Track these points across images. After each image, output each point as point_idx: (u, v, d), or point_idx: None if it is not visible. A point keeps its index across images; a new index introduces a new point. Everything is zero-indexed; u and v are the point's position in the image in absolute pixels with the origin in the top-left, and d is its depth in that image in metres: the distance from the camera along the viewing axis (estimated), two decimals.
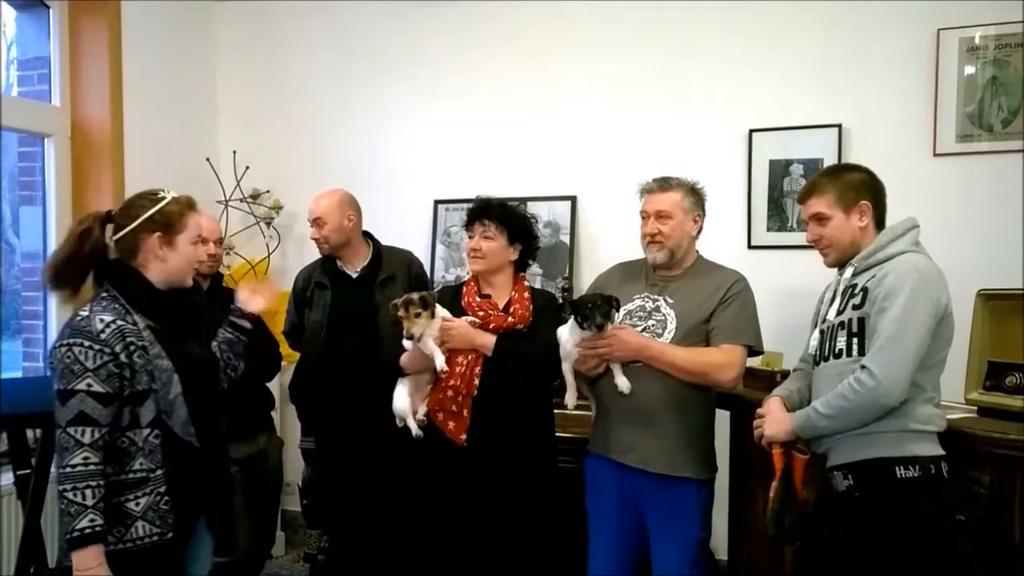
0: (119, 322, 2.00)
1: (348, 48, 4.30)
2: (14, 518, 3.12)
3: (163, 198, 2.13)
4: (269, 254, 4.25)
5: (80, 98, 3.87)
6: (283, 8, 4.41)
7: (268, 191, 4.30)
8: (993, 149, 3.25)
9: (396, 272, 3.35)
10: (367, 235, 3.43)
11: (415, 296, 2.61)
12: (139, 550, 1.99)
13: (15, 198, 3.93)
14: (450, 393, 2.64)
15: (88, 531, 1.90)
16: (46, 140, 3.79)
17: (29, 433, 2.98)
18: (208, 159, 4.26)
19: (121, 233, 2.09)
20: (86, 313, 2.01)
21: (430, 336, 2.61)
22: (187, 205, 2.18)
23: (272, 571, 3.94)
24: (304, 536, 3.89)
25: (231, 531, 2.43)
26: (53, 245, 3.79)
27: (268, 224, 4.26)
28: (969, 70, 3.28)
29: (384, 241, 3.50)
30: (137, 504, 2.00)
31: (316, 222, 3.29)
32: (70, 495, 1.90)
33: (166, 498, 2.03)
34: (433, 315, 2.61)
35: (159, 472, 2.03)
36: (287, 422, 4.09)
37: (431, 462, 2.69)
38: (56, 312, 3.78)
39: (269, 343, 3.16)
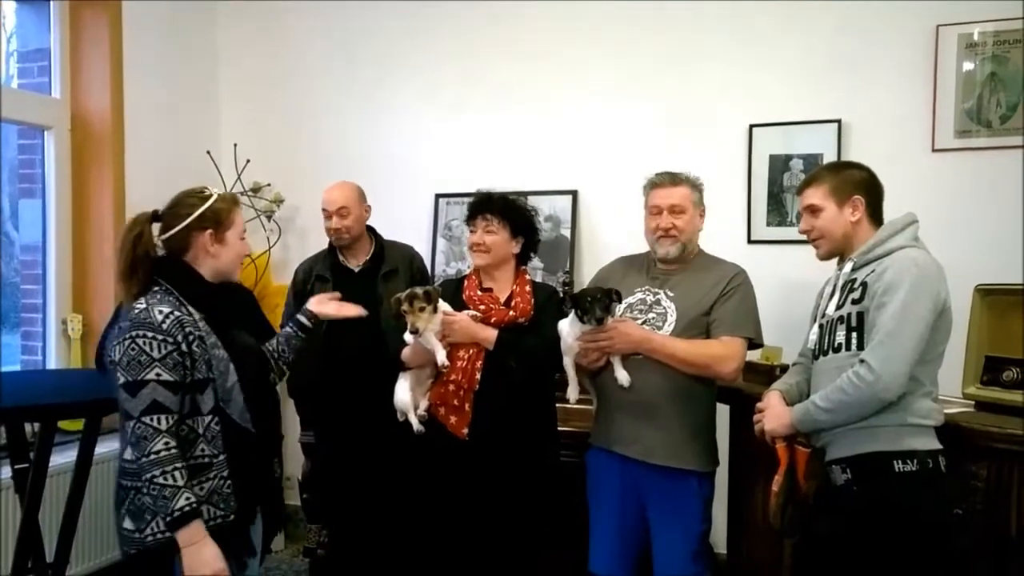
0: (176, 313, 2.05)
1: (350, 41, 4.30)
2: (12, 513, 3.13)
3: (211, 195, 2.19)
4: (270, 247, 4.26)
5: (80, 90, 3.88)
6: (285, 3, 4.40)
7: (269, 184, 4.30)
8: (991, 145, 3.26)
9: (398, 266, 3.36)
10: (369, 229, 3.44)
11: (419, 290, 2.62)
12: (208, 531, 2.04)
13: (14, 191, 3.94)
14: (451, 387, 2.65)
15: (188, 508, 1.97)
16: (46, 132, 3.80)
17: (27, 427, 2.99)
18: (209, 152, 4.26)
19: (172, 232, 2.15)
20: (143, 306, 2.04)
21: (432, 330, 2.62)
22: (233, 201, 2.26)
23: (272, 565, 3.95)
24: (304, 531, 3.90)
25: (281, 520, 2.51)
26: (52, 238, 3.82)
27: (269, 218, 4.27)
28: (968, 66, 3.29)
29: (385, 235, 3.51)
30: (202, 488, 2.05)
31: (340, 212, 3.28)
32: (161, 480, 1.95)
33: (228, 482, 2.10)
34: (436, 310, 2.62)
35: (221, 457, 2.09)
36: (286, 416, 4.09)
37: (432, 456, 2.70)
38: (55, 306, 3.80)
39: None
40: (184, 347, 2.03)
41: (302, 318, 2.51)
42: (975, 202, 3.27)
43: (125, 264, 2.10)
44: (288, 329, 2.51)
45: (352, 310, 2.57)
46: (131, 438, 1.99)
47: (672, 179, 2.69)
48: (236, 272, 2.30)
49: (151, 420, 1.97)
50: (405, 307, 2.58)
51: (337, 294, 2.65)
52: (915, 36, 3.35)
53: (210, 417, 2.08)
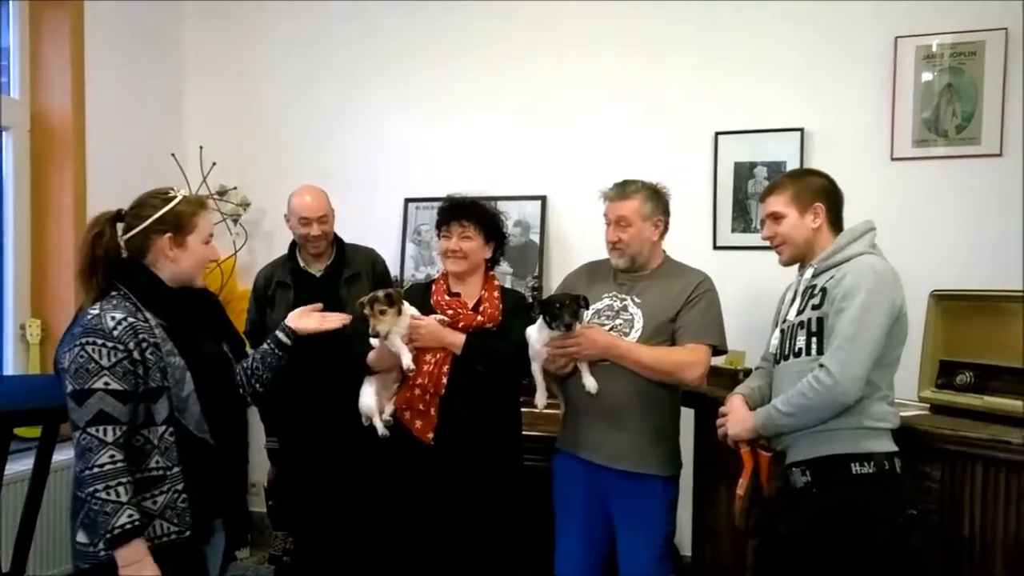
0: (130, 319, 1.99)
1: (317, 44, 4.28)
2: None
3: (173, 197, 2.12)
4: (236, 251, 4.22)
5: (40, 90, 3.82)
6: (252, 3, 4.38)
7: (235, 187, 4.26)
8: (948, 154, 3.35)
9: (360, 270, 3.33)
10: None
11: (380, 294, 2.59)
12: (158, 548, 1.97)
13: None
14: (417, 392, 2.64)
15: (128, 526, 1.89)
16: (4, 133, 3.73)
17: None
18: (173, 154, 4.21)
19: (131, 233, 2.08)
20: (96, 312, 1.98)
21: (397, 334, 2.60)
22: (198, 204, 2.18)
23: (237, 572, 3.89)
24: (270, 537, 3.86)
25: (246, 530, 2.43)
26: (11, 241, 3.75)
27: (235, 221, 4.23)
28: (926, 77, 3.37)
29: (354, 240, 3.50)
30: (155, 502, 1.98)
31: (321, 219, 3.25)
32: (103, 494, 1.89)
33: (183, 496, 2.02)
34: (400, 312, 2.60)
35: (176, 470, 2.02)
36: (251, 422, 4.06)
37: (398, 461, 2.69)
38: (13, 310, 3.73)
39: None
40: (136, 355, 1.97)
41: (280, 335, 2.33)
42: (931, 210, 3.36)
43: (83, 263, 2.05)
44: (265, 346, 2.34)
45: (335, 321, 2.40)
46: (76, 449, 1.92)
47: (620, 192, 2.70)
48: (197, 278, 2.20)
49: (97, 431, 1.90)
50: (367, 310, 2.56)
51: (319, 305, 2.44)
52: (875, 47, 3.43)
53: (164, 427, 2.01)
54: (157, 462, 2.00)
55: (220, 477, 2.14)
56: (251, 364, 2.33)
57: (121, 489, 1.90)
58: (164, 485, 2.00)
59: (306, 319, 2.36)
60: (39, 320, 3.75)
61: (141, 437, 1.99)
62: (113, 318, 1.97)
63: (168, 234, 2.09)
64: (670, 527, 2.68)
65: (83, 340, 1.94)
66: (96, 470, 1.89)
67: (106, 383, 1.92)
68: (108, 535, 1.89)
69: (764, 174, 3.57)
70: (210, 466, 2.09)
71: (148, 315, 2.04)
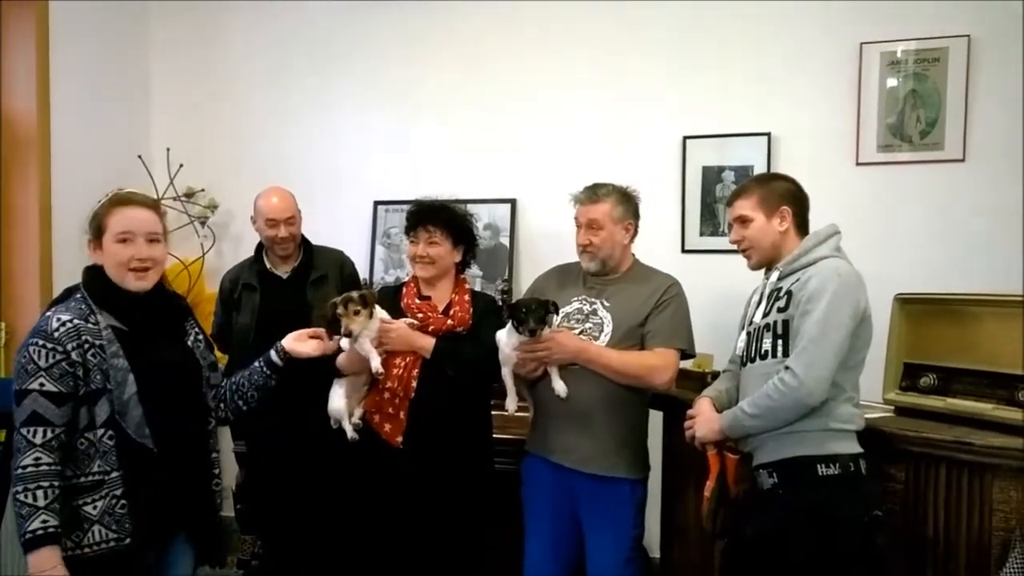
0: (76, 321, 1.98)
1: (286, 46, 4.25)
2: None
3: (100, 202, 2.11)
4: (204, 254, 4.18)
5: (4, 92, 3.75)
6: (219, 3, 4.33)
7: (203, 189, 4.22)
8: (912, 159, 3.40)
9: (328, 272, 3.31)
10: None
11: (355, 294, 2.58)
12: (97, 556, 1.95)
13: None
14: (387, 395, 2.63)
15: (40, 532, 1.86)
16: None
17: None
18: (140, 156, 4.16)
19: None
20: (48, 314, 2.00)
21: (367, 337, 2.59)
22: (115, 202, 2.11)
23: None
24: (238, 542, 3.82)
25: (216, 541, 2.35)
26: None
27: (203, 223, 4.19)
28: (891, 83, 3.42)
29: (323, 242, 3.48)
30: (94, 508, 1.96)
31: (288, 221, 3.23)
32: (21, 496, 1.87)
33: (122, 502, 1.98)
34: (371, 315, 2.59)
35: (115, 475, 1.98)
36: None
37: (366, 465, 2.67)
38: None
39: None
40: (75, 356, 1.95)
41: (273, 355, 2.28)
42: (896, 214, 3.41)
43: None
44: (256, 365, 2.30)
45: (335, 346, 2.39)
46: (13, 448, 1.92)
47: (591, 195, 2.72)
48: (123, 281, 2.07)
49: (28, 432, 1.90)
50: (340, 310, 2.54)
51: (321, 330, 2.37)
52: (840, 53, 3.48)
53: (103, 430, 1.98)
54: (98, 466, 1.97)
55: (165, 485, 2.06)
56: (237, 381, 2.30)
57: (40, 493, 1.88)
58: (103, 490, 1.97)
59: (303, 344, 2.30)
60: (3, 323, 3.68)
61: (85, 440, 1.97)
62: (59, 319, 1.97)
63: (88, 239, 2.11)
64: (638, 530, 2.70)
65: (29, 341, 1.95)
66: (19, 471, 1.89)
67: (41, 384, 1.92)
68: (22, 538, 1.87)
69: (732, 178, 3.60)
70: (152, 473, 2.03)
71: (100, 317, 2.03)
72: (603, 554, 2.63)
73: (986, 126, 3.30)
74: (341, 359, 2.70)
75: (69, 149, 3.86)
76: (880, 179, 3.44)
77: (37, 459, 1.89)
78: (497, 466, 2.84)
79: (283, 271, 3.31)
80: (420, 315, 2.69)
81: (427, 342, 2.64)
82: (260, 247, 3.37)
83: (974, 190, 3.31)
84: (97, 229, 2.09)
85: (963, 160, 3.33)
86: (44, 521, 1.87)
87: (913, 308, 2.65)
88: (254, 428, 3.34)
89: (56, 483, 1.91)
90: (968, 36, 3.29)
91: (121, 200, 2.12)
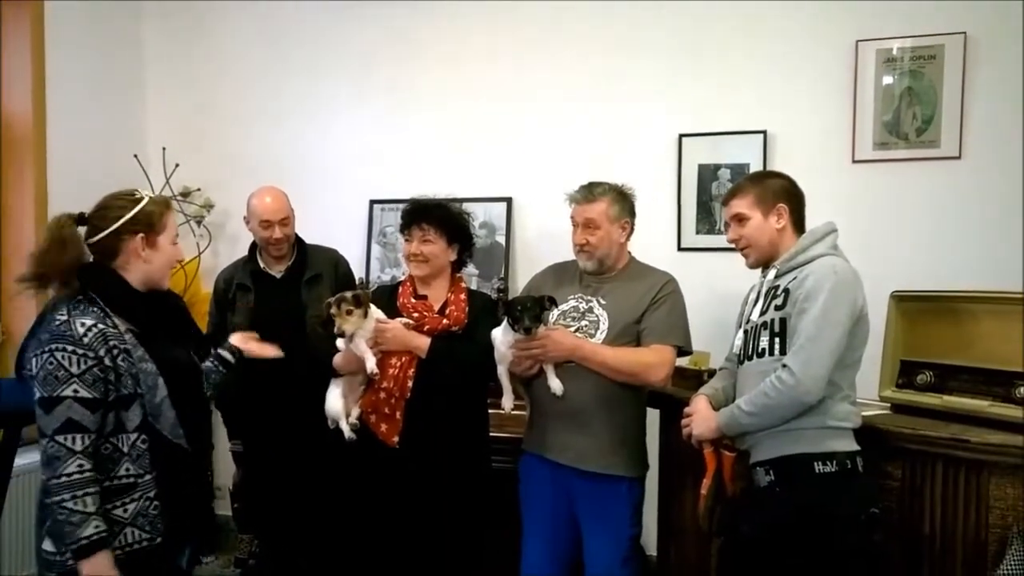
0: (100, 325, 1.96)
1: (281, 45, 4.24)
2: None
3: (141, 198, 2.10)
4: (200, 253, 4.17)
5: (0, 91, 3.74)
6: (214, 4, 4.33)
7: (199, 189, 4.21)
8: (908, 157, 3.39)
9: (322, 271, 3.30)
10: None
11: (348, 294, 2.59)
12: (128, 556, 1.95)
13: None
14: (383, 395, 2.63)
15: (95, 538, 1.88)
16: None
17: None
18: (136, 156, 4.15)
19: (101, 235, 2.05)
20: (64, 317, 1.95)
21: (362, 337, 2.59)
22: (165, 205, 2.17)
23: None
24: (235, 541, 3.82)
25: (212, 535, 2.42)
26: None
27: (199, 223, 4.18)
28: (887, 80, 3.42)
29: (319, 241, 3.47)
30: (125, 511, 1.96)
31: (283, 222, 3.21)
32: (70, 504, 1.87)
33: (155, 503, 2.00)
34: (366, 314, 2.58)
35: (148, 477, 1.99)
36: (215, 425, 4.02)
37: (363, 465, 2.67)
38: None
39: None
40: (107, 361, 1.94)
41: (225, 352, 2.40)
42: (892, 212, 3.40)
43: (46, 261, 2.00)
44: (209, 364, 2.35)
45: (271, 351, 2.48)
46: (43, 457, 1.90)
47: (587, 195, 2.71)
48: (166, 279, 2.19)
49: (65, 440, 1.88)
50: (333, 310, 2.54)
51: (254, 334, 2.54)
52: (836, 51, 3.47)
53: (136, 435, 1.98)
54: (128, 470, 1.97)
55: (194, 482, 2.13)
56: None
57: (88, 499, 1.88)
58: (135, 492, 1.98)
59: (246, 344, 2.45)
60: (0, 324, 3.68)
61: (110, 445, 1.96)
62: (83, 324, 1.94)
63: (140, 234, 2.07)
64: (636, 528, 2.70)
65: (52, 346, 1.91)
66: (64, 479, 1.87)
67: (75, 391, 1.90)
68: (74, 545, 1.87)
69: (728, 176, 3.59)
70: (184, 472, 2.07)
71: (117, 320, 2.01)
72: (600, 552, 2.63)
73: (982, 124, 3.30)
74: (337, 359, 2.70)
75: (65, 149, 3.86)
76: (876, 177, 3.43)
77: (80, 466, 1.88)
78: (494, 464, 2.83)
79: (277, 271, 3.30)
80: (416, 314, 2.69)
81: (423, 342, 2.63)
82: (254, 246, 3.36)
83: (970, 187, 3.31)
84: (152, 227, 2.09)
85: (959, 157, 3.32)
86: (96, 527, 1.88)
87: (909, 305, 2.65)
88: (251, 428, 3.34)
89: (98, 489, 1.91)
90: (964, 33, 3.29)
91: (168, 204, 2.20)
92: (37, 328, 2.02)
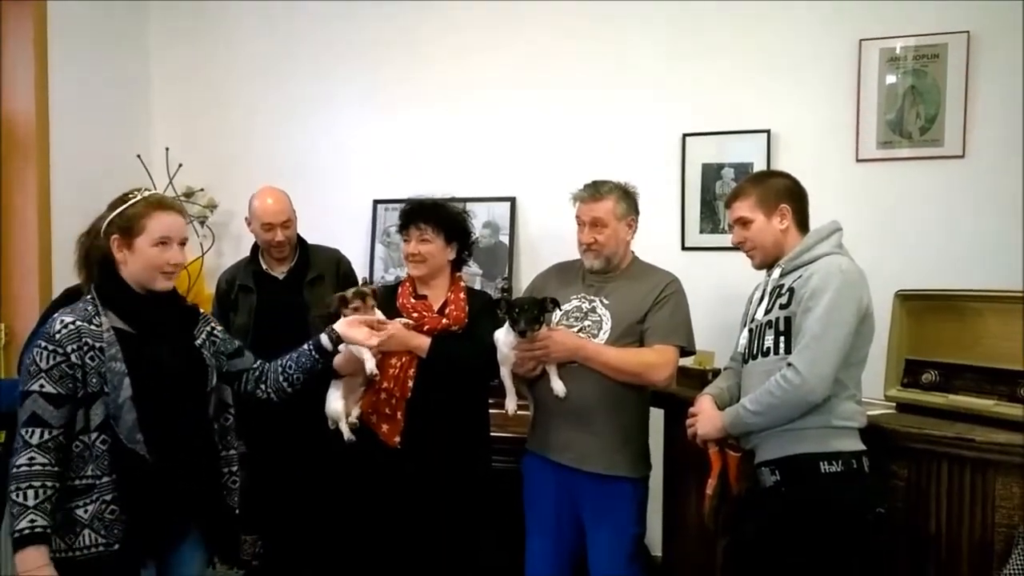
0: (79, 323, 1.99)
1: (284, 44, 4.25)
2: None
3: (130, 199, 2.10)
4: (203, 253, 4.17)
5: (3, 92, 3.74)
6: (218, 3, 4.33)
7: (202, 189, 4.22)
8: (912, 155, 3.39)
9: (324, 271, 3.29)
10: None
11: (366, 289, 2.59)
12: (86, 560, 1.94)
13: None
14: (384, 396, 2.62)
15: (27, 531, 1.87)
16: None
17: None
18: (139, 156, 4.15)
19: (94, 235, 2.11)
20: (55, 315, 2.01)
21: None
22: (153, 205, 2.11)
23: None
24: (240, 544, 3.82)
25: (230, 543, 2.34)
26: None
27: (202, 223, 4.18)
28: (890, 79, 3.41)
29: (323, 241, 3.46)
30: (85, 511, 1.96)
31: (285, 224, 3.20)
32: (13, 495, 1.89)
33: (112, 507, 1.97)
34: (374, 309, 2.58)
35: (105, 480, 1.97)
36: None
37: (364, 466, 2.66)
38: None
39: None
40: (75, 358, 1.96)
41: (324, 338, 2.33)
42: (896, 210, 3.40)
43: (78, 262, 2.13)
44: (305, 347, 2.33)
45: (381, 336, 2.39)
46: (13, 448, 1.95)
47: (594, 193, 2.70)
48: (155, 281, 2.11)
49: (25, 432, 1.92)
50: (356, 304, 2.52)
51: (372, 317, 2.44)
52: (840, 50, 3.47)
53: (96, 434, 1.97)
54: (92, 470, 1.97)
55: (160, 492, 2.03)
56: (284, 363, 2.33)
57: (31, 492, 1.89)
58: (93, 494, 1.96)
59: (356, 331, 2.36)
60: (3, 324, 3.68)
61: (80, 443, 1.97)
62: (62, 321, 1.98)
63: (114, 236, 2.08)
64: (640, 528, 2.69)
65: (35, 342, 1.98)
66: (13, 470, 1.91)
67: (41, 385, 1.94)
68: (12, 535, 1.89)
69: (731, 175, 3.59)
70: (145, 479, 2.00)
71: (104, 319, 2.02)
72: (605, 553, 2.63)
73: (986, 122, 3.29)
74: (338, 360, 2.66)
75: (68, 149, 3.86)
76: (880, 175, 3.43)
77: (31, 459, 1.90)
78: (497, 465, 2.82)
79: (279, 272, 3.30)
80: (416, 314, 2.68)
81: (423, 342, 2.63)
82: (256, 247, 3.36)
83: (974, 186, 3.31)
84: (129, 229, 2.07)
85: (963, 156, 3.32)
86: (32, 521, 1.88)
87: (914, 304, 2.64)
88: (253, 429, 3.33)
89: (50, 483, 1.91)
90: (967, 32, 3.29)
91: (160, 204, 2.13)
92: (39, 328, 2.08)
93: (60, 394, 1.94)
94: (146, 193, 2.15)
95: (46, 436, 1.92)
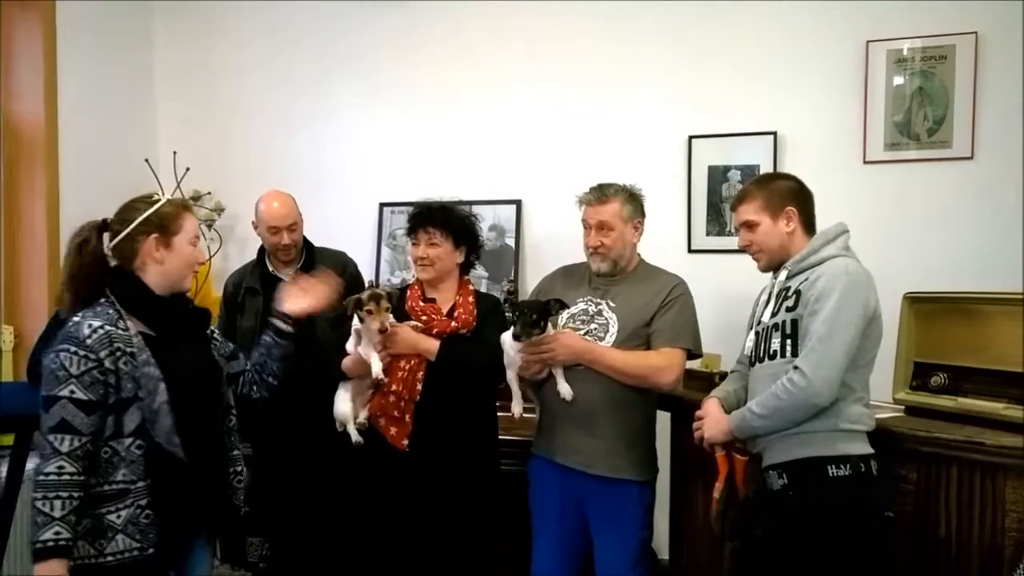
0: (108, 327, 1.97)
1: (291, 48, 4.25)
2: None
3: (157, 200, 2.12)
4: (211, 257, 4.17)
5: (12, 96, 3.76)
6: (224, 6, 4.34)
7: (209, 193, 4.22)
8: (920, 157, 3.38)
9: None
10: None
11: (381, 291, 2.60)
12: (119, 564, 1.94)
13: None
14: (392, 398, 2.62)
15: (51, 543, 1.85)
16: None
17: None
18: (147, 160, 4.16)
19: (118, 239, 2.07)
20: (78, 319, 1.97)
21: (369, 340, 2.59)
22: (182, 206, 2.18)
23: None
24: (245, 544, 3.82)
25: (237, 543, 2.39)
26: None
27: (210, 226, 4.19)
28: (897, 81, 3.40)
29: (329, 244, 3.47)
30: (118, 517, 1.95)
31: (291, 228, 3.21)
32: (39, 504, 1.86)
33: (147, 511, 1.98)
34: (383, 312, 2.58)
35: (140, 484, 1.98)
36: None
37: (372, 468, 2.66)
38: None
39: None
40: (108, 364, 1.94)
41: (278, 322, 2.34)
42: (904, 212, 3.38)
43: (71, 271, 2.04)
44: (266, 338, 2.34)
45: (323, 292, 2.38)
46: (39, 453, 1.92)
47: (600, 196, 2.70)
48: (186, 281, 2.18)
49: (54, 439, 1.89)
50: (371, 307, 2.53)
51: (305, 279, 2.44)
52: (846, 51, 3.46)
53: (131, 439, 1.97)
54: (123, 475, 1.96)
55: (192, 493, 2.07)
56: (259, 361, 2.33)
57: (57, 503, 1.87)
58: (128, 499, 1.96)
59: (299, 302, 2.36)
60: (12, 327, 3.68)
61: (109, 449, 1.96)
62: (90, 326, 1.95)
63: (154, 235, 2.08)
64: (646, 532, 2.68)
65: (60, 347, 1.93)
66: (41, 478, 1.88)
67: (71, 391, 1.90)
68: (33, 545, 1.86)
69: (738, 178, 3.58)
70: (180, 481, 2.02)
71: (129, 324, 2.02)
72: (611, 556, 2.62)
73: (994, 123, 3.28)
74: (346, 362, 2.70)
75: (76, 153, 3.87)
76: (888, 178, 3.41)
77: (60, 467, 1.88)
78: (504, 467, 2.82)
79: (286, 274, 3.30)
80: (424, 318, 2.68)
81: (431, 344, 2.63)
82: (263, 250, 3.37)
83: (983, 188, 3.29)
84: (167, 228, 2.09)
85: (971, 158, 3.30)
86: (57, 533, 1.86)
87: (922, 307, 2.63)
88: (261, 430, 3.34)
89: (76, 494, 1.90)
90: (975, 33, 3.27)
91: (186, 205, 2.21)
92: (48, 331, 2.05)
93: (91, 400, 1.91)
94: (168, 196, 2.18)
95: (75, 444, 1.90)
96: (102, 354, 1.94)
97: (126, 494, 1.96)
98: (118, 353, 1.96)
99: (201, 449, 2.09)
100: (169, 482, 2.01)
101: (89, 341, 1.93)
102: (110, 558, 1.94)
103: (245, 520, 2.33)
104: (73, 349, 1.92)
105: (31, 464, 2.99)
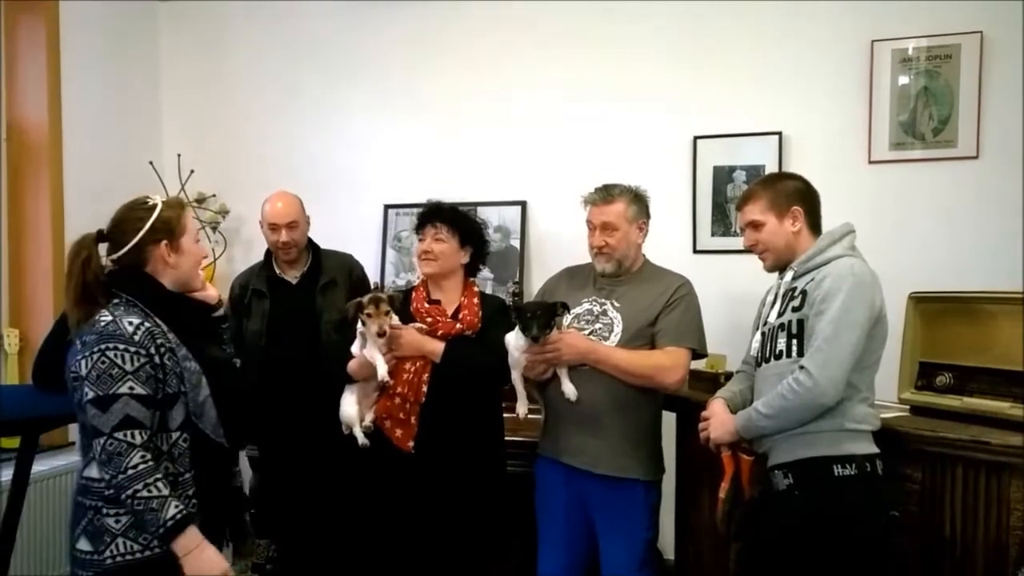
0: (146, 324, 1.97)
1: (296, 50, 4.27)
2: None
3: (155, 205, 2.09)
4: (215, 259, 4.19)
5: (16, 99, 3.78)
6: (229, 8, 4.36)
7: (214, 195, 4.24)
8: (925, 157, 3.37)
9: (337, 276, 3.31)
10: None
11: (382, 294, 2.60)
12: (166, 553, 1.93)
13: None
14: (398, 400, 2.62)
15: (180, 516, 1.89)
16: None
17: None
18: (151, 162, 4.18)
19: (124, 249, 2.05)
20: (108, 318, 1.95)
21: (375, 343, 2.59)
22: (180, 206, 2.17)
23: None
24: (252, 546, 3.83)
25: (247, 534, 2.45)
26: None
27: (214, 229, 4.21)
28: (902, 80, 3.40)
29: (334, 246, 3.47)
30: None
31: (290, 226, 3.22)
32: (144, 492, 1.87)
33: (193, 501, 2.01)
34: (388, 315, 2.58)
35: (187, 476, 2.01)
36: None
37: (378, 470, 2.66)
38: None
39: None
40: (157, 359, 1.95)
41: None
42: (909, 212, 3.38)
43: (76, 292, 1.99)
44: None
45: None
46: (102, 455, 1.88)
47: (605, 196, 2.70)
48: (196, 279, 2.20)
49: (125, 435, 1.88)
50: (370, 310, 2.53)
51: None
52: (851, 51, 3.45)
53: (178, 434, 2.00)
54: (167, 468, 1.97)
55: (231, 480, 2.19)
56: None
57: (161, 484, 1.89)
58: (176, 491, 1.97)
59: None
60: (17, 330, 3.69)
61: (152, 445, 1.96)
62: (131, 323, 1.95)
63: (164, 241, 2.07)
64: (652, 532, 2.68)
65: (103, 346, 1.91)
66: (131, 472, 1.87)
67: (131, 387, 1.90)
68: (161, 530, 1.88)
69: (743, 178, 3.58)
70: (223, 470, 2.12)
71: (158, 320, 2.02)
72: (617, 557, 2.62)
73: (1000, 123, 3.27)
74: (352, 365, 2.70)
75: (80, 156, 3.89)
76: (893, 177, 3.41)
77: (144, 456, 1.88)
78: (509, 468, 2.82)
79: (292, 276, 3.32)
80: (429, 319, 2.68)
81: (436, 346, 2.63)
82: (269, 252, 3.38)
83: (988, 187, 3.28)
84: (173, 231, 2.09)
85: (977, 157, 3.30)
86: (177, 507, 1.89)
87: (928, 307, 2.63)
88: (267, 432, 3.35)
89: (164, 475, 1.92)
90: (980, 32, 3.27)
91: (182, 203, 2.21)
92: (54, 335, 2.05)
93: (148, 395, 1.93)
94: (160, 198, 2.14)
95: (144, 437, 1.91)
96: (151, 349, 1.95)
97: (174, 487, 1.96)
98: (163, 349, 1.98)
99: (238, 438, 2.20)
100: (213, 471, 2.08)
101: (136, 337, 1.93)
102: (157, 550, 1.94)
103: (244, 499, 2.42)
104: (123, 346, 1.91)
105: (40, 467, 3.02)
